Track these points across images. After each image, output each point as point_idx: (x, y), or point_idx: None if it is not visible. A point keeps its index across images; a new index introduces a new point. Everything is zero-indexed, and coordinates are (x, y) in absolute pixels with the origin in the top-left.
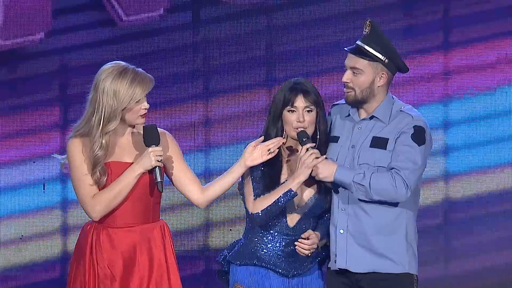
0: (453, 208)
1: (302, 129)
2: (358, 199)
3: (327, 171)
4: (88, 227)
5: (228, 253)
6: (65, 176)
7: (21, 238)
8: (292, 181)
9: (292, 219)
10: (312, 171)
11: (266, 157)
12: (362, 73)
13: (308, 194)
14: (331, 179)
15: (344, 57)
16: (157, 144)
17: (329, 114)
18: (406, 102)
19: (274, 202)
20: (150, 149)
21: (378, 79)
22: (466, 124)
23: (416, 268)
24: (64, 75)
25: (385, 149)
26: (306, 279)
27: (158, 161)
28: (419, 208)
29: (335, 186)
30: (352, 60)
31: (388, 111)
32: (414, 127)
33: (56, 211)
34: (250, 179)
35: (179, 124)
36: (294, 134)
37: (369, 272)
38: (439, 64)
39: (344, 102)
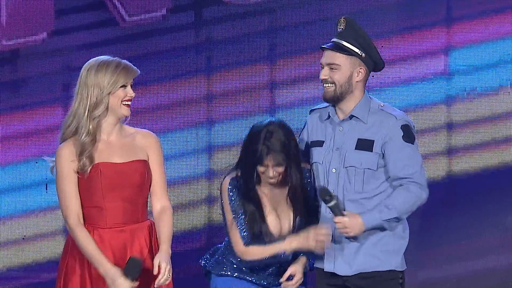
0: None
1: (322, 187)
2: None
3: (356, 228)
4: None
5: (209, 258)
6: None
7: (23, 239)
8: (288, 244)
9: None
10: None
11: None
12: (340, 68)
13: (287, 225)
14: (362, 231)
15: None
16: (134, 281)
17: (306, 122)
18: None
19: (264, 257)
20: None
21: (356, 74)
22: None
23: (402, 265)
24: (67, 75)
25: (372, 151)
26: None
27: None
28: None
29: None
30: (328, 56)
31: (366, 109)
32: (401, 127)
33: (58, 211)
34: (235, 224)
35: (181, 125)
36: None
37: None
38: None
39: (322, 107)
